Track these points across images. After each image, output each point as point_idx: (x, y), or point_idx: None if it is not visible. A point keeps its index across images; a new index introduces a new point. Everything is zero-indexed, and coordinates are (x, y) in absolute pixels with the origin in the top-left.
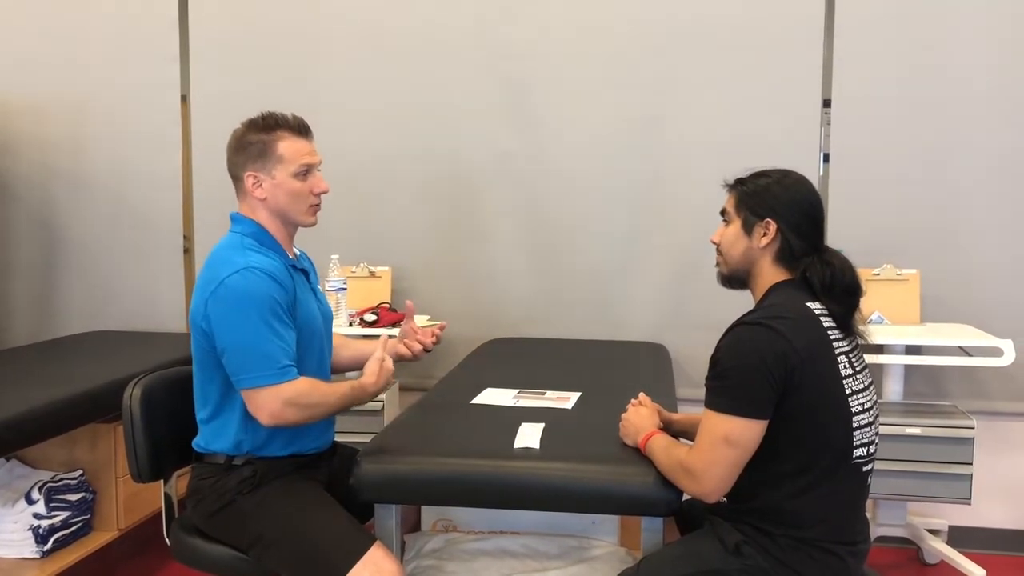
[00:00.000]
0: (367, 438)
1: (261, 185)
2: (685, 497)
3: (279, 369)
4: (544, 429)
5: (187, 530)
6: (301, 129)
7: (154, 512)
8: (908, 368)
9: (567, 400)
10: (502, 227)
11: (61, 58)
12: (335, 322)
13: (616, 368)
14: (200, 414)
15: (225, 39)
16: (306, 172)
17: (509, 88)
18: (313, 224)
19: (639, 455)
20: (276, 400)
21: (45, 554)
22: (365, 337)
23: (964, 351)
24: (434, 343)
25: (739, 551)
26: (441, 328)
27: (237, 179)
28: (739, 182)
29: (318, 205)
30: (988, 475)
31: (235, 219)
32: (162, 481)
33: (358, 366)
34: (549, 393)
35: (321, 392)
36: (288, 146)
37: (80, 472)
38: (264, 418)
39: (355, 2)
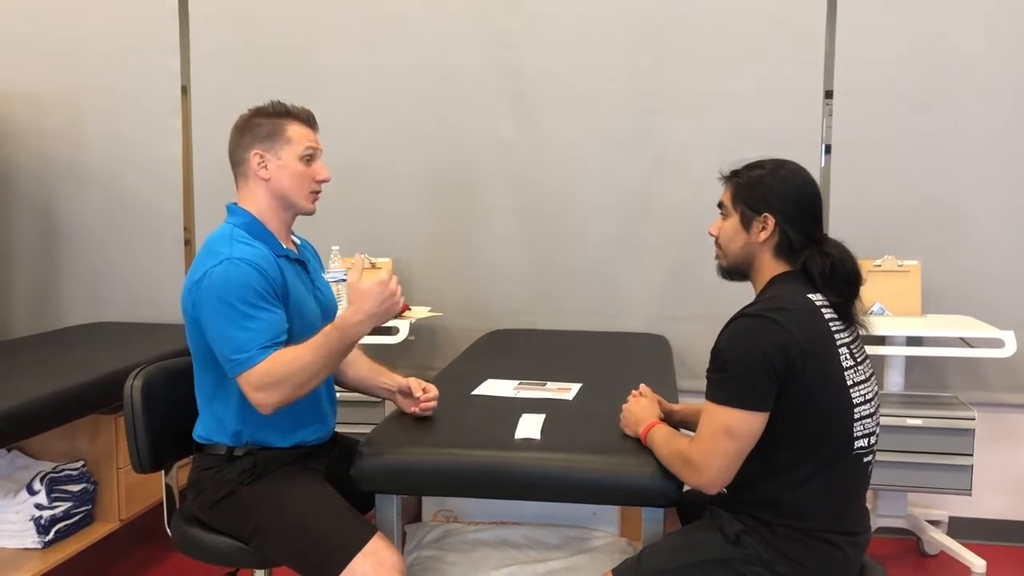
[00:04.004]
0: (368, 429)
1: (266, 165)
2: (685, 488)
3: (244, 357)
4: (545, 420)
5: (188, 521)
6: (309, 120)
7: (155, 503)
8: (909, 359)
9: (568, 391)
10: (502, 218)
11: (61, 48)
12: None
13: (616, 359)
14: (200, 404)
15: (225, 30)
16: (310, 157)
17: (508, 78)
18: (312, 212)
19: (640, 446)
20: (249, 388)
21: (47, 544)
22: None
23: (965, 342)
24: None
25: (739, 541)
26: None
27: (240, 162)
28: (734, 174)
29: (318, 193)
30: (988, 466)
31: (231, 210)
32: (163, 472)
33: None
34: (550, 384)
35: (283, 361)
36: (296, 130)
37: (81, 463)
38: (257, 408)
39: None
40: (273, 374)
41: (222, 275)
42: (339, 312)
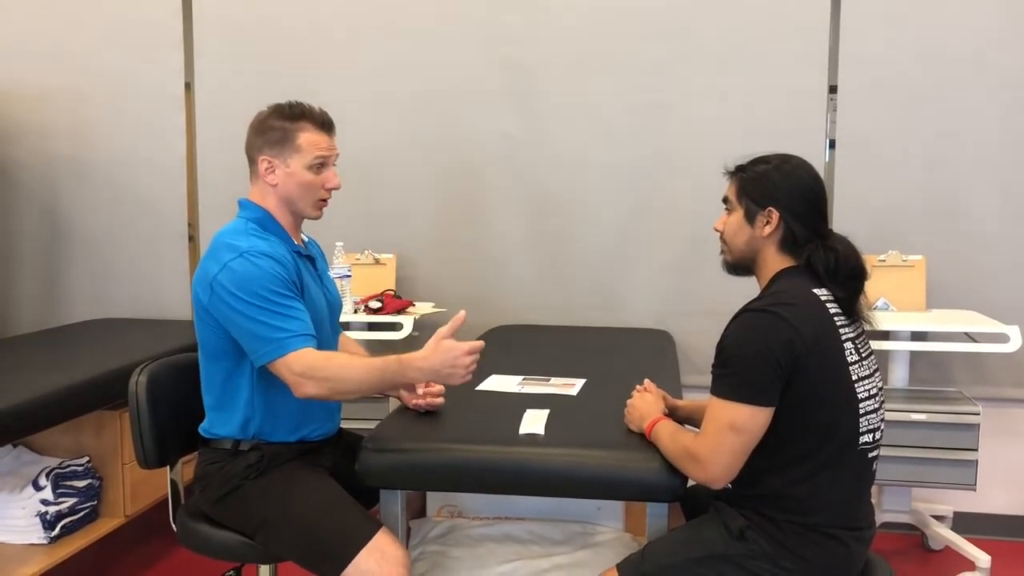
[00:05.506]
0: (372, 425)
1: (274, 172)
2: (689, 483)
3: (281, 340)
4: (549, 415)
5: (193, 516)
6: (325, 124)
7: (160, 498)
8: (914, 354)
9: (572, 386)
10: (506, 214)
11: (64, 45)
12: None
13: (621, 355)
14: (207, 399)
15: (229, 26)
16: (321, 165)
17: (512, 74)
18: (317, 218)
19: (644, 441)
20: (289, 373)
21: (52, 540)
22: (371, 326)
23: (970, 337)
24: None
25: (743, 536)
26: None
27: (252, 161)
28: (739, 169)
29: (327, 200)
30: (993, 461)
31: (242, 205)
32: (168, 467)
33: None
34: (554, 379)
35: (338, 364)
36: (308, 138)
37: (87, 459)
38: (294, 392)
39: None
40: (323, 369)
41: (245, 267)
42: (343, 308)
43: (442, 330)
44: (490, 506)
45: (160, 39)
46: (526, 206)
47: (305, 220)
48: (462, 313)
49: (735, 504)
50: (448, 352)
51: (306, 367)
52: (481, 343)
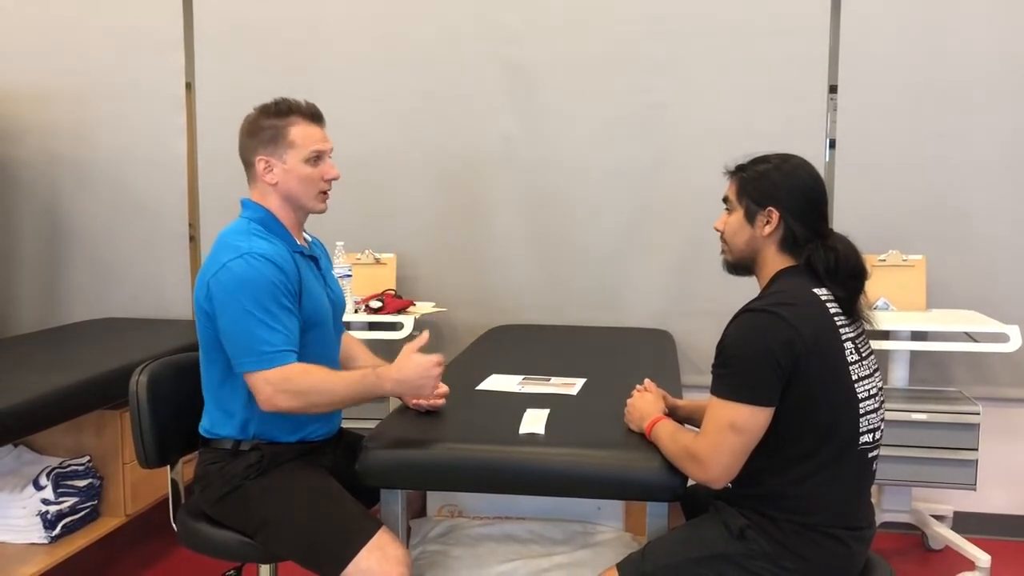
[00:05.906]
0: (373, 424)
1: (272, 170)
2: (690, 482)
3: (269, 354)
4: (549, 415)
5: (194, 515)
6: (314, 116)
7: (161, 498)
8: (914, 354)
9: (572, 386)
10: (507, 214)
11: (64, 45)
12: None
13: (621, 354)
14: (207, 399)
15: (230, 26)
16: (317, 158)
17: (512, 74)
18: (323, 211)
19: (644, 441)
20: (266, 385)
21: (53, 539)
22: (372, 325)
23: (970, 337)
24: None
25: (743, 536)
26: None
27: (248, 164)
28: (740, 168)
29: (328, 192)
30: (993, 461)
31: (245, 205)
32: (168, 467)
33: None
34: (554, 379)
35: (317, 377)
36: (300, 132)
37: (87, 458)
38: (261, 404)
39: None
40: (302, 383)
41: (244, 269)
42: (346, 306)
43: (411, 345)
44: (490, 506)
45: (160, 39)
46: (527, 205)
47: (308, 218)
48: (425, 333)
49: (735, 504)
50: (419, 365)
51: (282, 380)
52: (440, 356)
